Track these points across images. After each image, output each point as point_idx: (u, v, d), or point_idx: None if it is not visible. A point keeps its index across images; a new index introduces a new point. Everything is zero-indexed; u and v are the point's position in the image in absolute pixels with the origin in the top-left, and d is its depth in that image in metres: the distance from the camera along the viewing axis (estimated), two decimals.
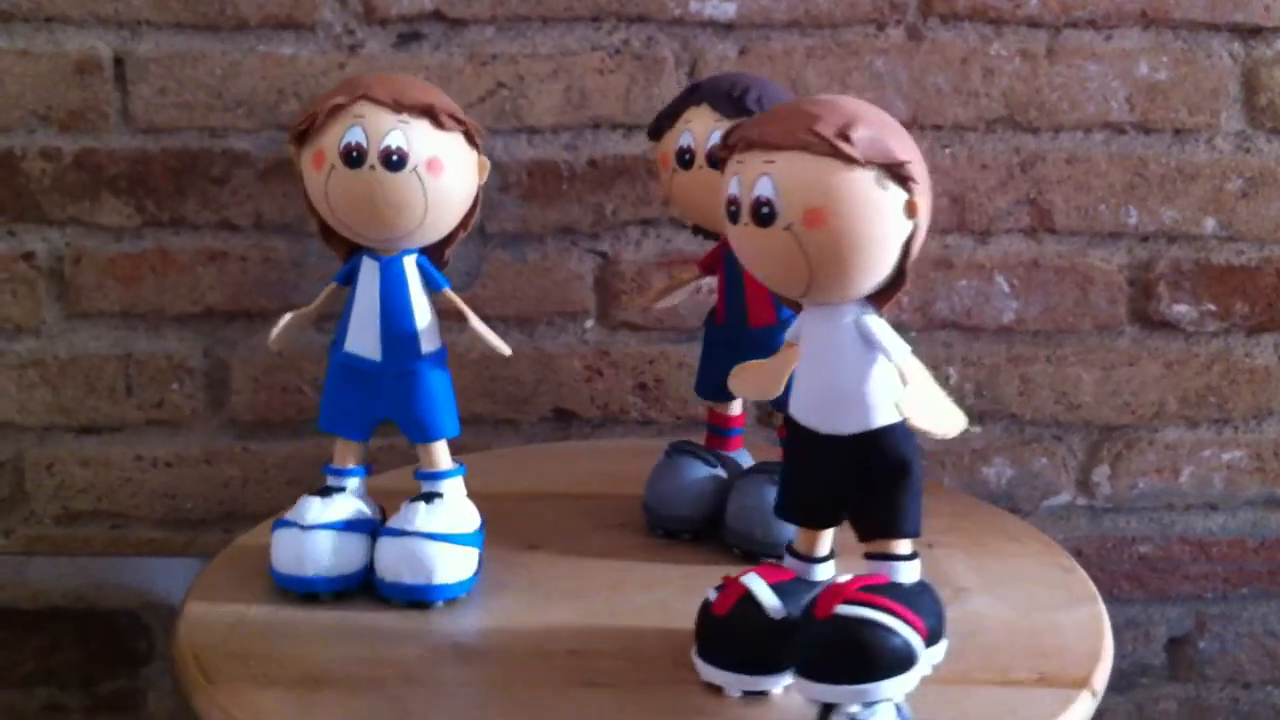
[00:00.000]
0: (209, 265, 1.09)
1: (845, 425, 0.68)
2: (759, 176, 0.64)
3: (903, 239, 0.65)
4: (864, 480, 0.68)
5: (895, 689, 0.64)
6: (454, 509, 0.80)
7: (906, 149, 0.65)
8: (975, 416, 1.13)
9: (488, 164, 0.79)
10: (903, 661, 0.64)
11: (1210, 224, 1.10)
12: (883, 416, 0.67)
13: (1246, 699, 1.19)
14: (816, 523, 0.71)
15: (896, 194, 0.64)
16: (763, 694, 0.69)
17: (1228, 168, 1.09)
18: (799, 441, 0.70)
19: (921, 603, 0.68)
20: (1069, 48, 1.07)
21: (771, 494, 0.75)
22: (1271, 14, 1.06)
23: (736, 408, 0.90)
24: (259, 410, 1.12)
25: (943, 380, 1.12)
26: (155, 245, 1.09)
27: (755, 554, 0.82)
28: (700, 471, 0.87)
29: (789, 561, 0.72)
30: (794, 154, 0.63)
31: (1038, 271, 1.10)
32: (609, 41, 1.06)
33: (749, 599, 0.68)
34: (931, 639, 0.69)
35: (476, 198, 0.80)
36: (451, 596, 0.78)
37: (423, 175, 0.75)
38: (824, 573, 0.71)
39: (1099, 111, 1.08)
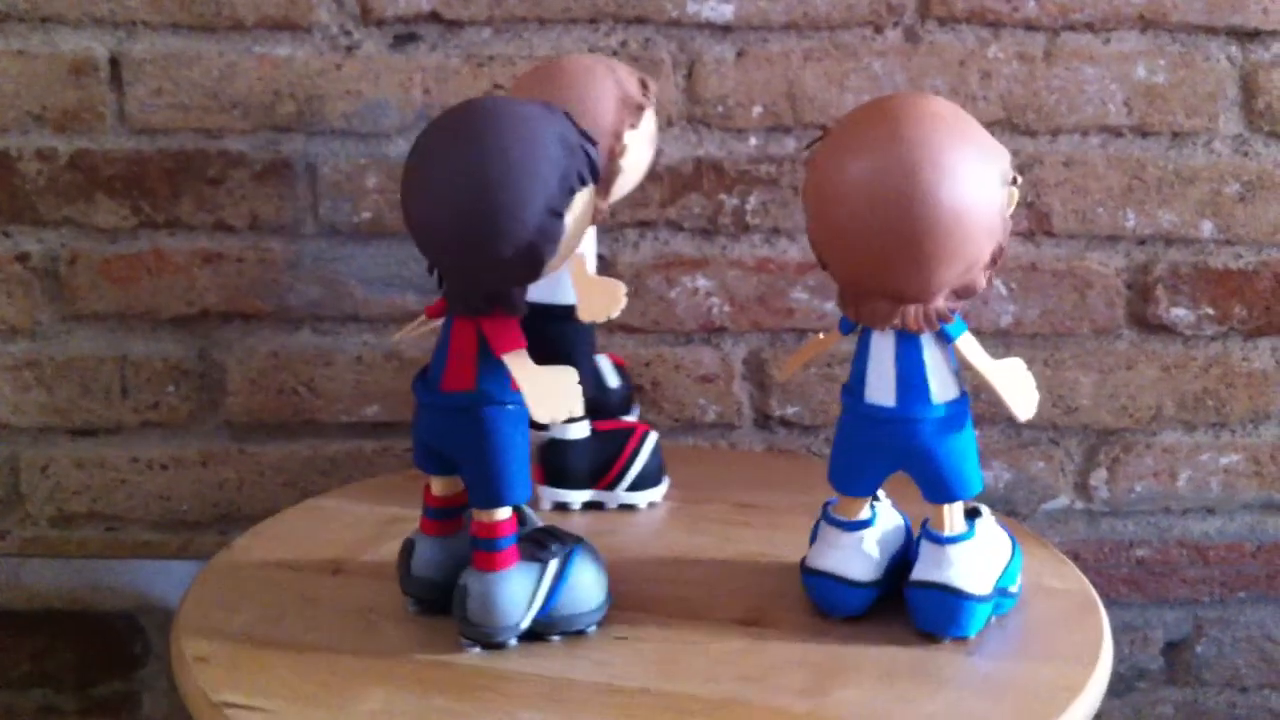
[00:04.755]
0: (204, 267, 1.09)
1: None
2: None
3: None
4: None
5: None
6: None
7: None
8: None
9: None
10: None
11: (1208, 227, 1.10)
12: None
13: (1244, 703, 1.19)
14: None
15: None
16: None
17: (1225, 171, 1.09)
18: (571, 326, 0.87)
19: None
20: (1067, 50, 1.06)
21: (590, 563, 0.77)
22: (1270, 17, 1.06)
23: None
24: (255, 412, 1.12)
25: None
26: (151, 246, 1.09)
27: (583, 629, 0.78)
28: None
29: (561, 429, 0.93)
30: None
31: (1035, 274, 1.10)
32: (606, 43, 1.06)
33: None
34: None
35: None
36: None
37: None
38: None
39: (1097, 114, 1.07)
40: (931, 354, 0.73)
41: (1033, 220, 1.09)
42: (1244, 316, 1.11)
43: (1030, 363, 1.09)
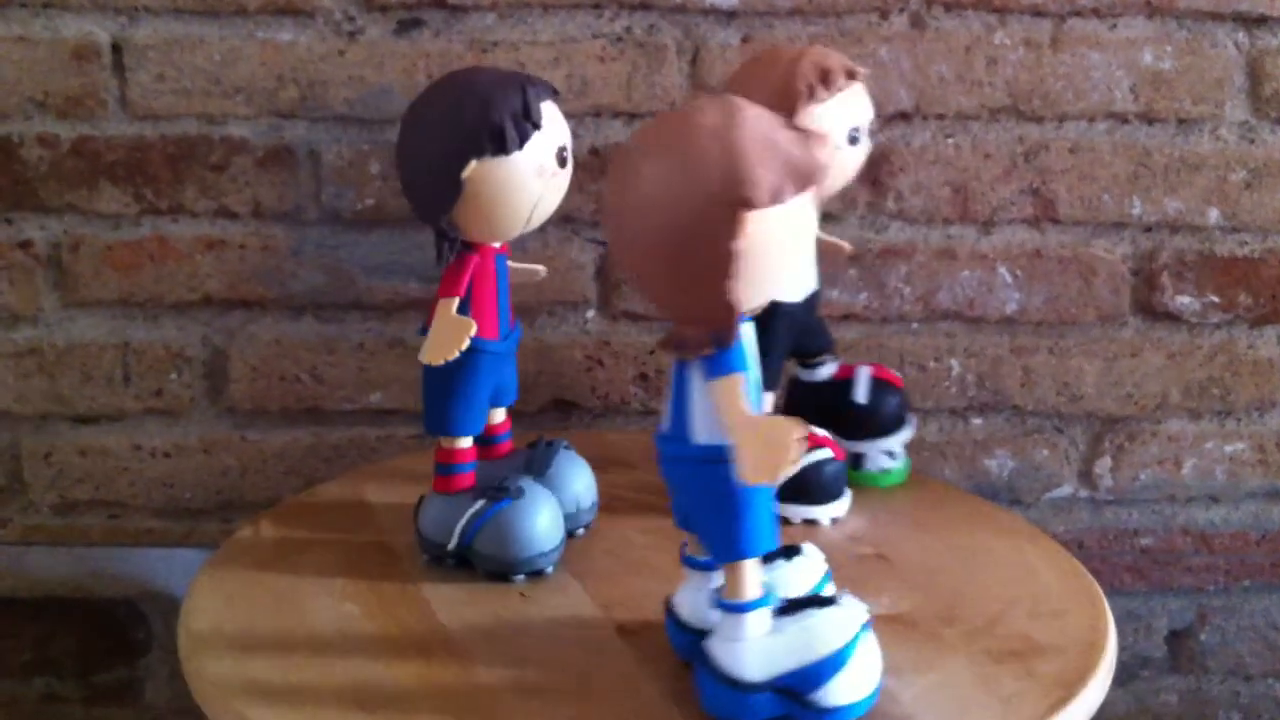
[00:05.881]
0: (207, 253, 1.09)
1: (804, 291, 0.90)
2: (864, 104, 0.86)
3: None
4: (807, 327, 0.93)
5: None
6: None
7: None
8: (977, 408, 1.12)
9: None
10: None
11: (1214, 215, 1.09)
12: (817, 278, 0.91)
13: (1247, 691, 1.19)
14: (781, 381, 0.91)
15: None
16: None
17: (1232, 158, 1.08)
18: (766, 315, 0.82)
19: None
20: (1073, 37, 1.06)
21: (515, 516, 0.81)
22: (1277, 3, 1.05)
23: (503, 414, 0.88)
24: (257, 399, 1.11)
25: (945, 372, 1.11)
26: (153, 233, 1.08)
27: (503, 574, 0.81)
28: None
29: None
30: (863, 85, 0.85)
31: (1041, 262, 1.10)
32: (611, 29, 1.06)
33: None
34: None
35: None
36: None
37: None
38: None
39: (1103, 101, 1.07)
40: (698, 388, 0.64)
41: (1038, 207, 1.09)
42: (1249, 304, 1.11)
43: (1035, 351, 1.11)
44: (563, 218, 1.08)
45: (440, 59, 1.05)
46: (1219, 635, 1.18)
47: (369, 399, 1.11)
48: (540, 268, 0.91)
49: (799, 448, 0.60)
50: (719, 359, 0.63)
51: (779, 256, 0.61)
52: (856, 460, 0.96)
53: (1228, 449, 1.14)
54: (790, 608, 0.66)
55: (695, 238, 0.60)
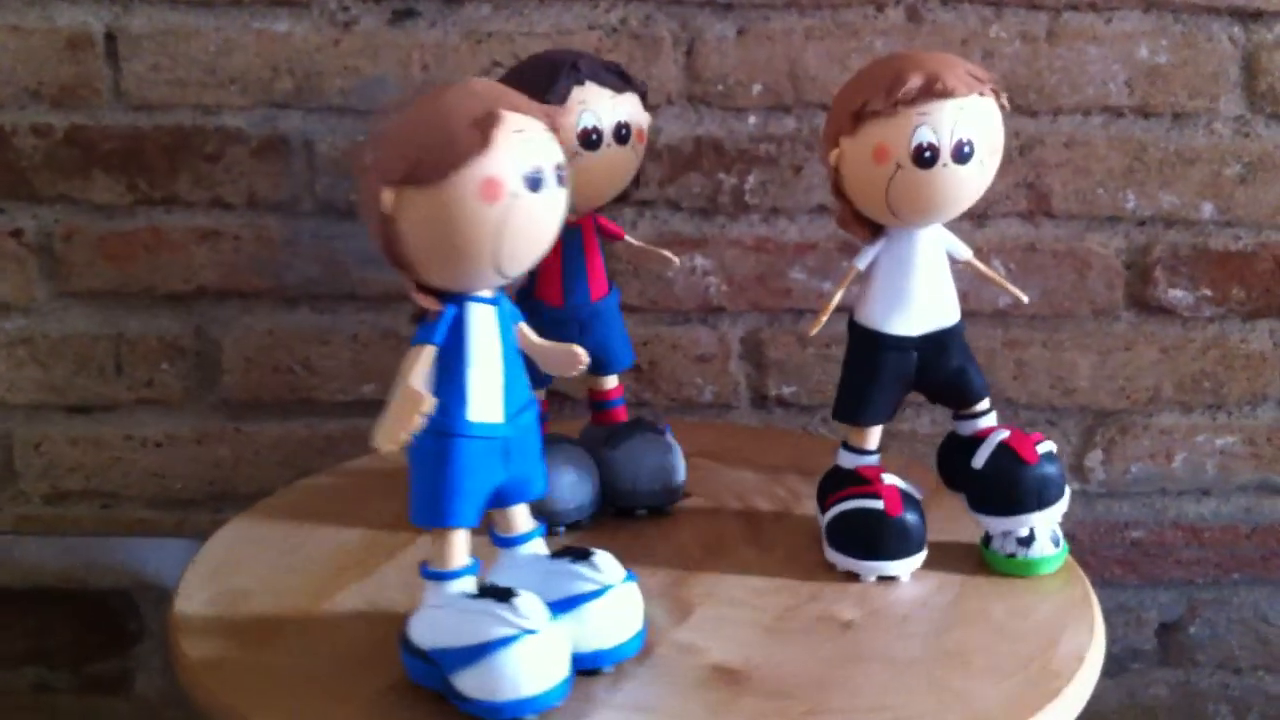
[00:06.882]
0: (201, 244, 1.08)
1: (922, 326, 0.80)
2: (956, 121, 0.73)
3: None
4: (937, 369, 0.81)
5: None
6: None
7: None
8: None
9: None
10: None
11: (1208, 209, 1.09)
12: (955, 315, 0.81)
13: (1237, 684, 1.19)
14: (881, 419, 0.82)
15: None
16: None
17: (1226, 152, 1.08)
18: (868, 346, 0.81)
19: None
20: (1069, 30, 1.06)
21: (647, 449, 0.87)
22: None
23: (613, 381, 0.91)
24: (250, 390, 1.11)
25: None
26: (147, 223, 1.08)
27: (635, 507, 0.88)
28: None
29: (844, 455, 0.83)
30: (974, 99, 0.74)
31: (1035, 255, 1.10)
32: (606, 20, 1.06)
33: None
34: None
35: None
36: None
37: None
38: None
39: (1098, 95, 1.07)
40: None
41: (1033, 200, 1.09)
42: (1242, 298, 1.11)
43: (1028, 344, 1.11)
44: None
45: (435, 50, 1.05)
46: (1209, 628, 1.18)
47: (363, 390, 1.11)
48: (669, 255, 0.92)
49: (417, 424, 0.63)
50: (420, 328, 0.66)
51: (439, 239, 0.62)
52: (987, 537, 0.82)
53: (1219, 442, 1.14)
54: (486, 593, 0.66)
55: (364, 206, 0.64)
